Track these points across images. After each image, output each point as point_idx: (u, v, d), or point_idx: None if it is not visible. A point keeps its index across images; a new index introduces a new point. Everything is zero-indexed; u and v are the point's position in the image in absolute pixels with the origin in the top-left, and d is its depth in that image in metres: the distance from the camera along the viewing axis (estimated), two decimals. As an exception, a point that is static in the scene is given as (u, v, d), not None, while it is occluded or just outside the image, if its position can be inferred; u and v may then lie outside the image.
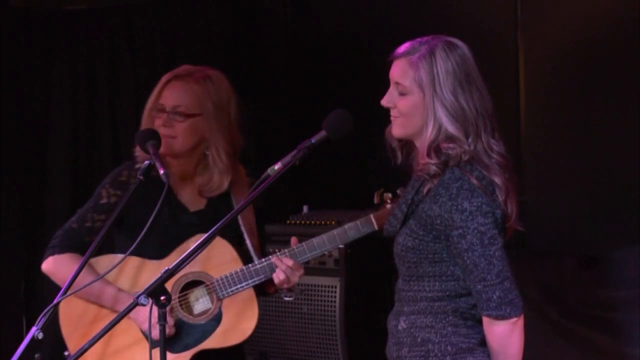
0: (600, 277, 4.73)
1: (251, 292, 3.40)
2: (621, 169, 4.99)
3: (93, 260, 3.40)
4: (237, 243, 3.46)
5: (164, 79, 3.47)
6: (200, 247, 2.89)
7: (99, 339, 2.84)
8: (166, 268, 2.81)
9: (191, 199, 3.49)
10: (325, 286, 4.86)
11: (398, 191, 3.22)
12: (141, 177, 3.32)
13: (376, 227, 3.26)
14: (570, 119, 5.16)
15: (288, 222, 5.10)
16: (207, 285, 3.38)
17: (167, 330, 3.33)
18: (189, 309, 3.42)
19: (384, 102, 2.91)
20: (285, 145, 4.76)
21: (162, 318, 2.79)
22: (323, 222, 4.92)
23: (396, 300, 2.97)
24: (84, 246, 3.37)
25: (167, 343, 3.33)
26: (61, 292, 3.07)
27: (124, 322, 3.24)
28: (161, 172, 3.28)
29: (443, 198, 2.79)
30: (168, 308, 2.89)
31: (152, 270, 3.37)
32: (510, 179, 2.84)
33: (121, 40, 5.56)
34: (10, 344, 3.50)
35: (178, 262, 2.83)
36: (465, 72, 2.83)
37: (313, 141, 3.00)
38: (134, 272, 3.42)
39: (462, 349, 2.84)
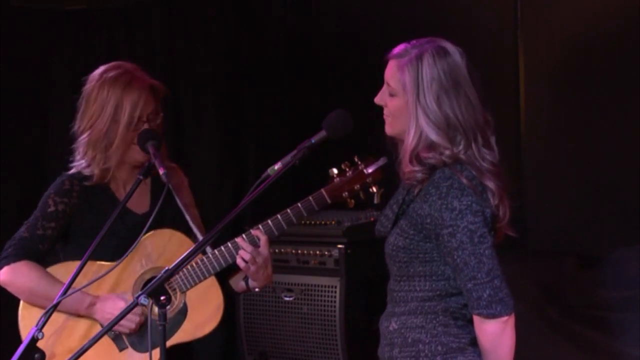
0: (600, 277, 4.73)
1: (213, 280, 3.37)
2: (621, 168, 4.99)
3: (50, 270, 3.40)
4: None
5: (134, 94, 3.41)
6: (201, 246, 2.90)
7: (100, 337, 2.84)
8: (166, 268, 2.81)
9: (137, 203, 3.48)
10: (325, 286, 4.85)
11: (343, 165, 3.18)
12: (141, 177, 3.35)
13: (329, 201, 3.20)
14: (570, 119, 5.16)
15: (288, 222, 5.09)
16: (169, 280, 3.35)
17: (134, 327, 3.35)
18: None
19: (376, 99, 2.92)
20: (285, 145, 4.77)
21: (163, 318, 2.78)
22: (323, 222, 4.92)
23: (388, 302, 2.97)
24: (37, 254, 3.40)
25: (134, 342, 3.37)
26: (60, 293, 3.09)
27: (84, 320, 3.36)
28: (161, 172, 3.29)
29: (433, 197, 2.79)
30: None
31: (115, 273, 3.36)
32: (503, 186, 2.83)
33: (121, 40, 5.56)
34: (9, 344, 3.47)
35: (178, 262, 2.83)
36: (453, 80, 2.79)
37: (313, 141, 3.01)
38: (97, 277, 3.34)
39: (453, 348, 2.84)
